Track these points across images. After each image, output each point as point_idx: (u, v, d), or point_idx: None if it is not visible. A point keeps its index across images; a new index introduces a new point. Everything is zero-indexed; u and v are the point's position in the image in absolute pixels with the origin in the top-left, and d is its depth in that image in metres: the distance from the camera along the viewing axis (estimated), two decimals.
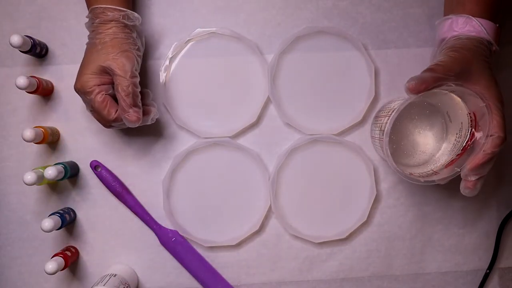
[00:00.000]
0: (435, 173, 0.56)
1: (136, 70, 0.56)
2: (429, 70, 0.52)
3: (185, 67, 0.65)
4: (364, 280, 0.67)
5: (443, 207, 0.67)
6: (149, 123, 0.59)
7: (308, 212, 0.66)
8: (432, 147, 0.59)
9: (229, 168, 0.65)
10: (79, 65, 0.56)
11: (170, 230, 0.65)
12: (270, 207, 0.65)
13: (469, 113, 0.54)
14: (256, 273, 0.66)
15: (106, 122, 0.57)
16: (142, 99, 0.58)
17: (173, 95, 0.65)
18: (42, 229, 0.56)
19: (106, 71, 0.55)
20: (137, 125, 0.55)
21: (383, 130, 0.56)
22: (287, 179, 0.65)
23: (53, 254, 0.60)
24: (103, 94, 0.55)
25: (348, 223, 0.65)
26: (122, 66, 0.54)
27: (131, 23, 0.57)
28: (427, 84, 0.50)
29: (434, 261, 0.67)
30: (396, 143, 0.59)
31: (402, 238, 0.67)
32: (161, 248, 0.65)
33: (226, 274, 0.66)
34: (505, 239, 0.67)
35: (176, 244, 0.64)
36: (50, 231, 0.56)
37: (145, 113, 0.58)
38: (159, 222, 0.65)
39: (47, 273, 0.55)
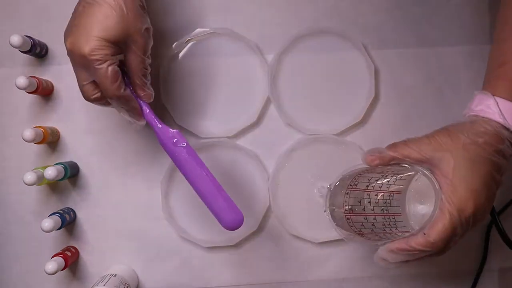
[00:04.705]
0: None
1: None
2: (392, 147, 0.48)
3: (185, 67, 0.65)
4: (364, 280, 0.67)
5: None
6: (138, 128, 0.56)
7: (308, 212, 0.66)
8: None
9: (228, 168, 0.65)
10: None
11: (172, 130, 0.54)
12: (269, 207, 0.65)
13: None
14: (256, 273, 0.66)
15: (110, 96, 0.49)
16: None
17: (173, 95, 0.65)
18: (42, 229, 0.56)
19: (121, 42, 0.48)
20: (149, 101, 0.53)
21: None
22: (287, 179, 0.65)
23: (53, 254, 0.60)
24: (116, 66, 0.48)
25: None
26: (145, 43, 0.50)
27: None
28: (380, 162, 0.48)
29: (434, 261, 0.67)
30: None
31: None
32: (161, 248, 0.65)
33: (226, 274, 0.66)
34: (497, 238, 0.67)
35: (176, 147, 0.54)
36: (50, 231, 0.56)
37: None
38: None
39: (47, 273, 0.55)
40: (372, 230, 0.51)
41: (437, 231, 0.45)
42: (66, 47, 0.48)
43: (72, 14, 0.50)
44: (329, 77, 0.66)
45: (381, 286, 0.67)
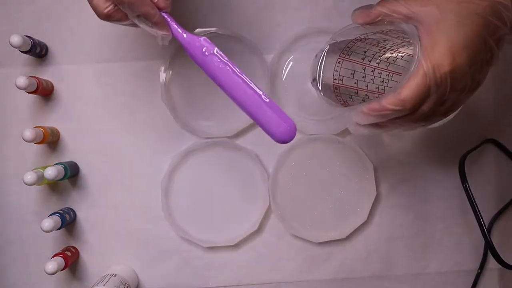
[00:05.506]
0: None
1: None
2: (382, 1, 0.44)
3: (185, 67, 0.65)
4: (364, 280, 0.67)
5: (444, 207, 0.67)
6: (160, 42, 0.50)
7: (308, 212, 0.66)
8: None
9: (228, 168, 0.65)
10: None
11: (200, 38, 0.49)
12: (269, 207, 0.64)
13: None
14: (256, 273, 0.66)
15: (127, 1, 0.43)
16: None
17: (173, 95, 0.65)
18: (42, 229, 0.56)
19: None
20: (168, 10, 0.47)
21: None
22: (287, 179, 0.65)
23: (53, 254, 0.60)
24: None
25: (348, 223, 0.65)
26: None
27: None
28: (366, 19, 0.44)
29: (434, 261, 0.67)
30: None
31: (402, 238, 0.67)
32: (161, 248, 0.65)
33: (226, 274, 0.66)
34: (499, 238, 0.67)
35: (207, 57, 0.49)
36: (50, 231, 0.56)
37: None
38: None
39: (47, 273, 0.55)
40: (361, 103, 0.46)
41: (408, 88, 0.41)
42: None
43: None
44: None
45: (381, 286, 0.67)
